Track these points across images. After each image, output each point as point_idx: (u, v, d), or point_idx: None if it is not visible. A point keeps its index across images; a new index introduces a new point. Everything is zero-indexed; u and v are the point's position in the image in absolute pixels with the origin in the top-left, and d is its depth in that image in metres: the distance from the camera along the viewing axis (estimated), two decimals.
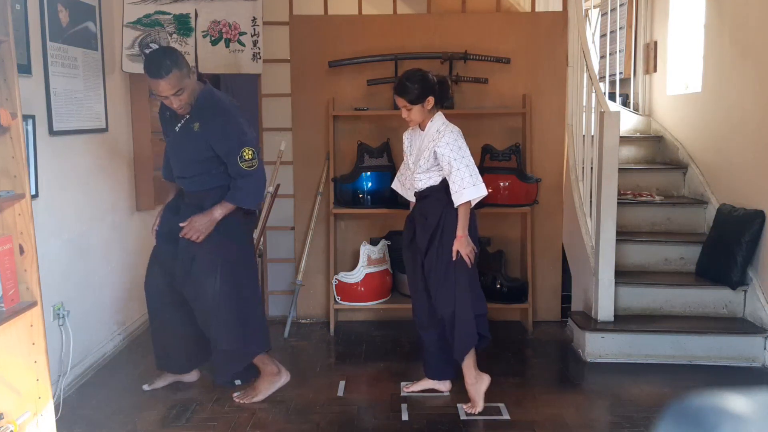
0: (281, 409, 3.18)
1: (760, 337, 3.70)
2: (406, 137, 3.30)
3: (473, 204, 3.08)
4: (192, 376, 3.47)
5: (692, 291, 4.00)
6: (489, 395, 3.30)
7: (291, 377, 3.37)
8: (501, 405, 3.20)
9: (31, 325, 2.44)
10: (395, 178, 3.43)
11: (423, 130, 3.16)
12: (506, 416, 3.10)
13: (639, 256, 4.25)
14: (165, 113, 3.19)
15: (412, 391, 3.34)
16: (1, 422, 2.35)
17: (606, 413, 3.27)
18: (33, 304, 2.44)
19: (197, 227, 3.05)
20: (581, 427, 3.04)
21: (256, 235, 4.54)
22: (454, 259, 3.04)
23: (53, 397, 2.58)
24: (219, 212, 3.06)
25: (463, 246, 3.03)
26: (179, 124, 3.09)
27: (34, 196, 2.98)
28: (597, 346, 3.80)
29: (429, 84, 3.07)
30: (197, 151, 3.05)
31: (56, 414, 2.68)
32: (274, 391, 3.30)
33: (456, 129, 3.10)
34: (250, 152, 3.03)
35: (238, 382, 3.38)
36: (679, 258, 4.24)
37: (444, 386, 3.34)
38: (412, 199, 3.27)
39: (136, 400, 3.28)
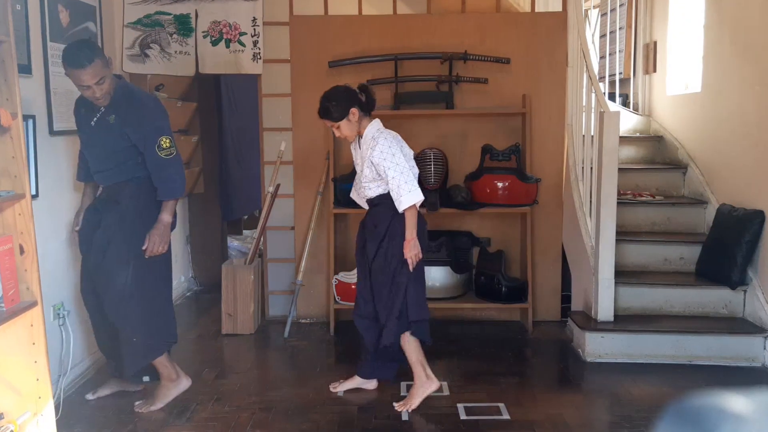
0: (281, 409, 3.18)
1: (760, 337, 3.70)
2: (352, 148, 3.32)
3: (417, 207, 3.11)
4: (135, 386, 3.37)
5: (692, 291, 4.00)
6: (489, 395, 3.31)
7: (286, 378, 3.36)
8: (501, 405, 3.20)
9: (32, 325, 2.44)
10: (353, 188, 3.45)
11: (362, 137, 3.19)
12: (506, 416, 3.10)
13: (639, 256, 4.25)
14: (80, 110, 3.18)
15: (342, 390, 3.37)
16: (1, 422, 2.36)
17: (606, 413, 3.27)
18: (33, 304, 2.44)
19: (156, 239, 3.07)
20: (581, 427, 3.04)
21: (255, 235, 4.56)
22: (406, 258, 3.07)
23: (53, 397, 2.58)
24: (167, 215, 3.10)
25: (407, 249, 3.06)
26: (95, 118, 3.09)
27: (34, 196, 2.98)
28: (597, 346, 3.80)
29: (348, 97, 3.11)
30: (114, 142, 3.06)
31: (56, 414, 2.69)
32: (174, 398, 3.23)
33: (390, 135, 3.12)
34: (167, 140, 3.06)
35: (146, 378, 3.31)
36: (679, 258, 4.24)
37: (371, 385, 3.41)
38: (366, 206, 3.31)
39: (137, 399, 3.27)
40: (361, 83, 3.26)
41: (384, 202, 3.14)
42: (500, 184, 4.17)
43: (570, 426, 3.02)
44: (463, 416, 3.10)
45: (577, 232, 4.26)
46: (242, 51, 4.29)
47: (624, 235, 4.19)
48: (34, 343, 2.45)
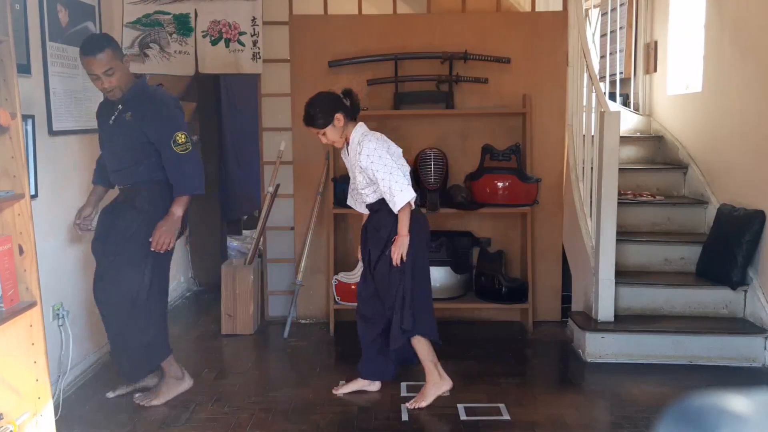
0: (281, 410, 3.17)
1: (760, 337, 3.69)
2: (343, 155, 3.31)
3: (412, 205, 3.10)
4: (151, 381, 3.39)
5: (692, 291, 3.99)
6: (489, 395, 3.31)
7: (286, 378, 3.37)
8: (501, 405, 3.19)
9: (31, 326, 2.44)
10: (348, 195, 3.44)
11: (349, 144, 3.18)
12: (506, 416, 3.09)
13: (639, 256, 4.25)
14: (101, 111, 3.22)
15: (344, 393, 3.34)
16: (0, 422, 2.35)
17: (606, 413, 3.27)
18: (32, 305, 2.44)
19: (163, 232, 3.04)
20: (581, 427, 3.03)
21: (255, 235, 4.55)
22: (392, 258, 3.06)
23: (53, 397, 2.58)
24: (178, 208, 3.08)
25: (397, 245, 3.05)
26: (113, 117, 3.11)
27: (34, 196, 2.97)
28: (597, 346, 3.80)
29: (332, 103, 3.10)
30: (130, 139, 3.07)
31: (56, 414, 2.68)
32: (175, 396, 3.26)
33: (375, 137, 3.10)
34: (183, 136, 3.06)
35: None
36: (680, 258, 4.24)
37: (374, 386, 3.38)
38: (365, 212, 3.30)
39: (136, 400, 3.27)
40: (345, 88, 3.25)
41: (384, 206, 3.12)
42: (500, 184, 4.17)
43: (570, 426, 3.01)
44: (463, 416, 3.09)
45: (577, 232, 4.26)
46: (242, 51, 4.29)
47: (624, 235, 4.18)
48: (33, 344, 2.44)
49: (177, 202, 3.08)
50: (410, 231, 3.07)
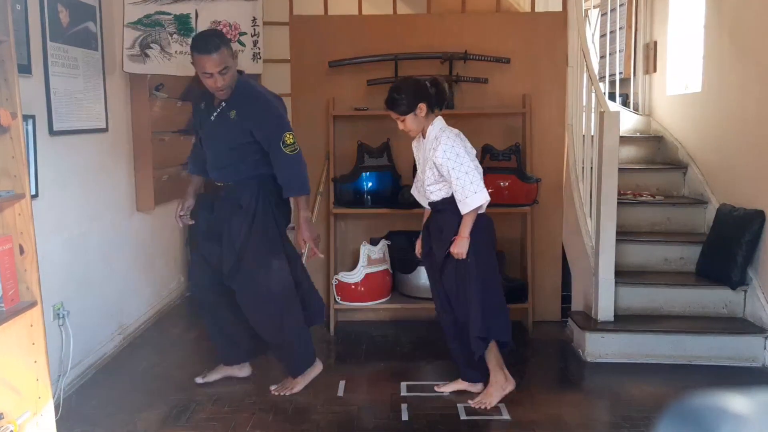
0: (281, 409, 3.18)
1: (760, 337, 3.69)
2: (414, 147, 3.26)
3: (483, 209, 3.06)
4: (244, 371, 3.49)
5: (692, 291, 4.00)
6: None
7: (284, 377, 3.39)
8: (501, 405, 3.19)
9: (31, 325, 2.44)
10: (413, 185, 3.38)
11: (425, 137, 3.12)
12: (506, 416, 3.10)
13: (639, 256, 4.25)
14: (199, 105, 3.21)
15: (443, 391, 3.33)
16: (1, 422, 2.35)
17: (606, 413, 3.27)
18: (33, 304, 2.44)
19: (312, 238, 3.17)
20: (581, 427, 3.04)
21: None
22: (452, 253, 3.02)
23: (53, 397, 2.58)
24: (305, 210, 3.16)
25: (457, 245, 3.00)
26: (215, 113, 3.10)
27: (34, 196, 2.97)
28: (597, 346, 3.80)
29: (418, 91, 3.03)
30: (233, 138, 3.07)
31: (56, 414, 2.68)
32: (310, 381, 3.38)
33: (453, 133, 3.05)
34: (291, 137, 3.06)
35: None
36: (679, 258, 4.24)
37: (475, 388, 3.31)
38: (426, 206, 3.26)
39: (136, 400, 3.28)
40: (434, 78, 3.15)
41: (449, 207, 3.06)
42: (500, 184, 4.17)
43: (570, 426, 3.02)
44: (463, 416, 3.10)
45: (577, 232, 4.26)
46: (242, 51, 4.28)
47: (624, 235, 4.19)
48: (33, 343, 2.44)
49: (300, 205, 3.14)
50: (472, 233, 3.00)
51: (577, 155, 4.36)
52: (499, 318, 3.15)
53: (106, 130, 3.80)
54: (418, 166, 3.25)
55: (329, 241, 4.39)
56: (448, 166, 2.96)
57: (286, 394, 3.28)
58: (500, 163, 4.18)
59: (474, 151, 3.14)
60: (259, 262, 3.13)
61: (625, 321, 3.89)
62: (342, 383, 3.46)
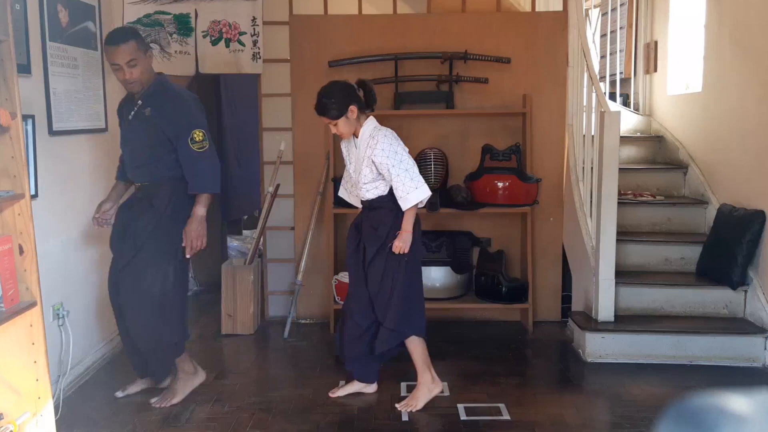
0: (281, 409, 3.17)
1: (760, 337, 3.69)
2: (343, 146, 3.26)
3: (422, 204, 3.09)
4: (149, 382, 3.39)
5: (693, 291, 4.00)
6: (490, 395, 3.31)
7: (286, 378, 3.37)
8: (501, 405, 3.19)
9: (31, 325, 2.44)
10: (341, 186, 3.39)
11: (357, 137, 3.13)
12: (506, 416, 3.09)
13: (639, 256, 4.25)
14: (121, 107, 3.23)
15: (338, 395, 3.31)
16: (0, 422, 2.35)
17: (606, 413, 3.27)
18: (33, 304, 2.44)
19: (193, 235, 3.07)
20: (581, 427, 3.03)
21: (255, 235, 4.55)
22: (394, 251, 3.03)
23: (53, 397, 2.58)
24: (201, 208, 3.08)
25: (402, 239, 3.01)
26: (132, 112, 3.11)
27: (34, 196, 2.97)
28: (597, 347, 3.80)
29: (347, 95, 3.04)
30: (148, 136, 3.07)
31: (56, 414, 2.68)
32: (191, 391, 3.29)
33: (389, 132, 3.07)
34: (201, 134, 3.05)
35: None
36: (680, 258, 4.24)
37: (371, 388, 3.35)
38: (359, 205, 3.26)
39: (136, 400, 3.27)
40: (360, 78, 3.18)
41: (384, 204, 3.09)
42: (500, 184, 4.17)
43: (570, 426, 3.01)
44: (463, 416, 3.09)
45: (577, 232, 4.26)
46: (242, 51, 4.29)
47: (624, 235, 4.18)
48: (33, 343, 2.44)
49: (198, 201, 3.08)
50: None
51: (577, 155, 4.36)
52: (417, 314, 3.17)
53: (105, 130, 3.80)
54: (348, 166, 3.23)
55: (329, 241, 4.39)
56: (388, 164, 2.98)
57: (166, 405, 3.19)
58: (500, 163, 4.18)
59: (407, 149, 3.12)
60: (150, 262, 3.06)
61: (626, 321, 3.89)
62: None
